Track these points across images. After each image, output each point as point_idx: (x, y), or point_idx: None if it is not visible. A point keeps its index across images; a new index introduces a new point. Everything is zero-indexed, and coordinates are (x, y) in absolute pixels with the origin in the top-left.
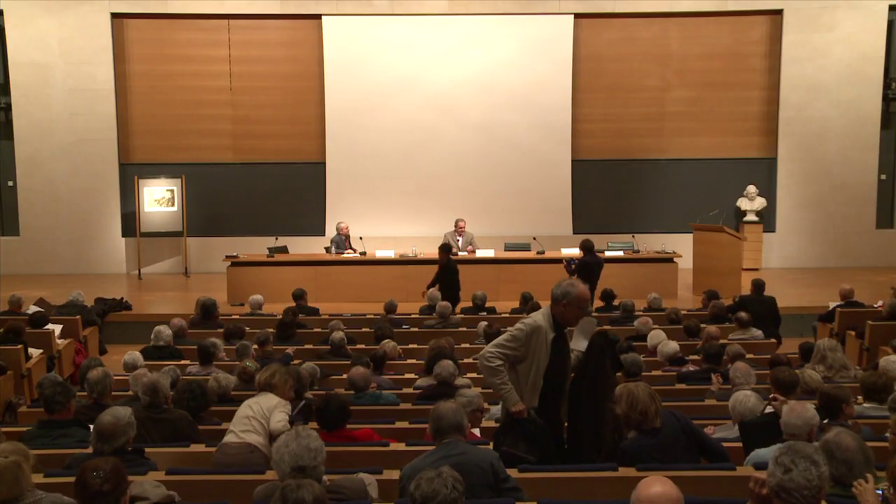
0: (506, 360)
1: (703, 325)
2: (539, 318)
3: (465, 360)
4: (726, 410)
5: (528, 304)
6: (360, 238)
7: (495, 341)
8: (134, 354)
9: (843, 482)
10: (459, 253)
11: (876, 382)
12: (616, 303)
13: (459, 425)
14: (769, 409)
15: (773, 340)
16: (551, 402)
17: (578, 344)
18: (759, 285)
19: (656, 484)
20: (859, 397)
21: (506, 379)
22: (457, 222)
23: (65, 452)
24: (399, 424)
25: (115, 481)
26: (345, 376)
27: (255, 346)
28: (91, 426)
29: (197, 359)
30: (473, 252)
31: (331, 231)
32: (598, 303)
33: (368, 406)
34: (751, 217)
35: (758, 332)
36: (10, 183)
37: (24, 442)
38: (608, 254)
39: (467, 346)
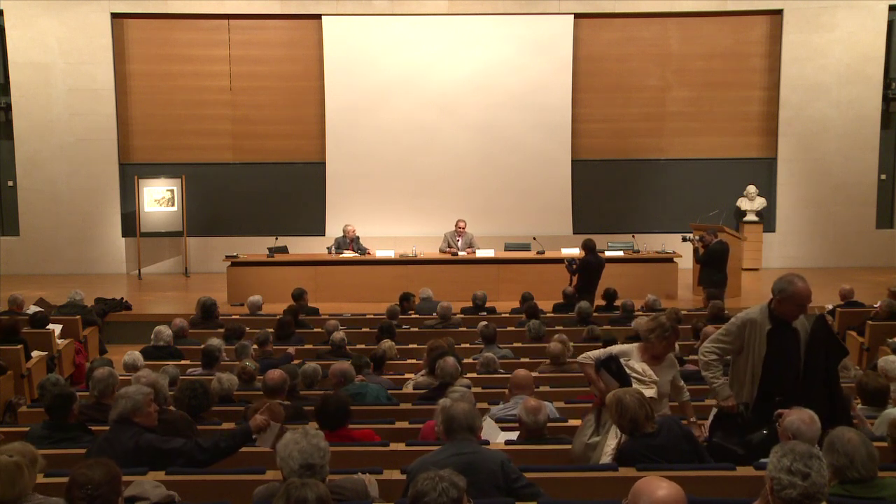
0: (721, 355)
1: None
2: (754, 310)
3: (466, 361)
4: None
5: (527, 304)
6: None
7: (711, 337)
8: (134, 354)
9: (844, 474)
10: (459, 253)
11: (872, 385)
12: (617, 303)
13: (471, 428)
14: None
15: None
16: (778, 393)
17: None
18: (714, 232)
19: (662, 485)
20: (857, 398)
21: (717, 374)
22: (457, 223)
23: (66, 452)
24: (399, 424)
25: (106, 495)
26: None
27: (255, 347)
28: (93, 428)
29: (198, 359)
30: (473, 252)
31: (331, 231)
32: (599, 301)
33: (368, 406)
34: (751, 217)
35: None
36: (10, 183)
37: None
38: (608, 254)
39: (467, 346)
